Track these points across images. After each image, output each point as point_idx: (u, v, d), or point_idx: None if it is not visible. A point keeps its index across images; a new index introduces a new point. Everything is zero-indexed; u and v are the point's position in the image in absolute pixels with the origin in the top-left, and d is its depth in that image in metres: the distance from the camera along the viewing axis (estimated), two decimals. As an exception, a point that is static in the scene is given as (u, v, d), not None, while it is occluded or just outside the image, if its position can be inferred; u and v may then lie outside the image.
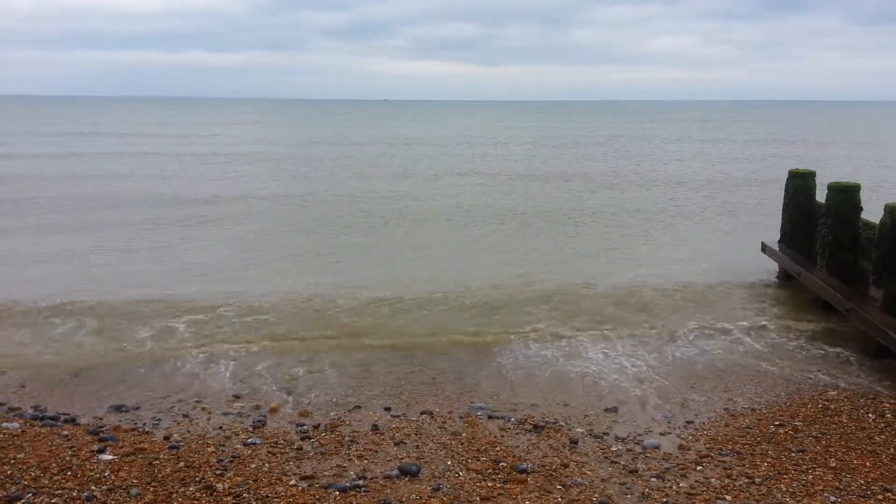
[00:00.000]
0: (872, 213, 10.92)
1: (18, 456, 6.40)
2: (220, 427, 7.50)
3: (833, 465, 6.58)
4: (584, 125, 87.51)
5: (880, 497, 5.92)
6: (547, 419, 7.80)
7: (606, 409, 8.15)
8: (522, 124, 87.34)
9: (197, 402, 8.34)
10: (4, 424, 7.31)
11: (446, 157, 39.54)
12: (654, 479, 6.28)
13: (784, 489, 6.07)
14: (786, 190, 13.61)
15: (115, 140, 52.16)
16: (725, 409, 8.18)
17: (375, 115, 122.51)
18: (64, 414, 7.86)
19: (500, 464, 6.54)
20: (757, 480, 6.24)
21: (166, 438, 7.11)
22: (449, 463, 6.56)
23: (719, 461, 6.68)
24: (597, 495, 5.95)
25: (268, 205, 23.29)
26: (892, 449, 6.93)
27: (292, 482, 6.08)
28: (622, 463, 6.65)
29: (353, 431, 7.37)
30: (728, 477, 6.32)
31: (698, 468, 6.53)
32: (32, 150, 41.33)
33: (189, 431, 7.37)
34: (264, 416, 7.87)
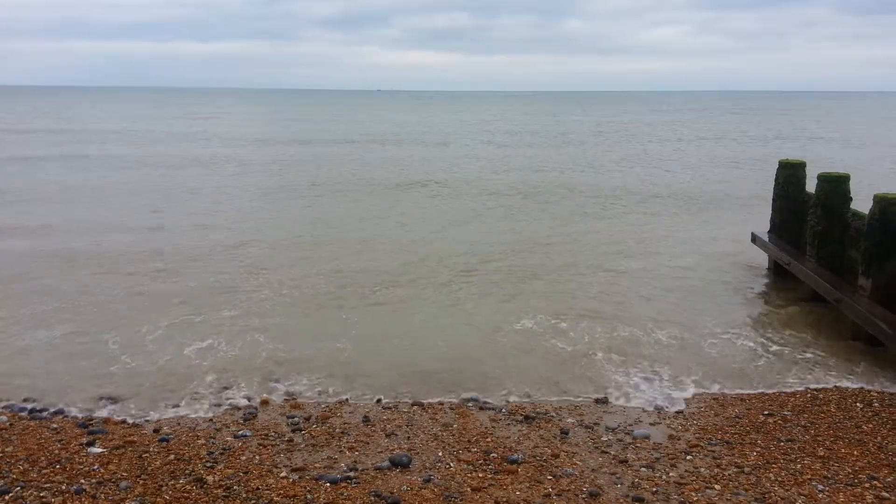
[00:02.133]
0: (861, 203, 10.99)
1: (7, 449, 6.38)
2: (211, 419, 7.48)
3: (821, 454, 6.63)
4: (578, 117, 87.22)
5: (867, 485, 5.97)
6: (538, 410, 7.82)
7: (597, 400, 8.17)
8: (517, 117, 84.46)
9: (187, 394, 8.31)
10: (-8, 418, 7.27)
11: (441, 162, 34.17)
12: (643, 469, 6.30)
13: (773, 478, 6.12)
14: (776, 180, 13.65)
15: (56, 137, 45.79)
16: (715, 399, 8.22)
17: (369, 108, 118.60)
18: (53, 407, 7.82)
19: (491, 454, 6.55)
20: (746, 470, 6.28)
21: (156, 431, 7.09)
22: (440, 454, 6.57)
23: (709, 451, 6.72)
24: (587, 485, 5.97)
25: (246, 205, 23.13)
26: (879, 438, 6.99)
27: (283, 474, 6.08)
28: (612, 453, 6.67)
29: (345, 423, 7.36)
30: (717, 466, 6.36)
31: (688, 458, 6.57)
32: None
33: (179, 424, 7.35)
34: (255, 408, 7.85)
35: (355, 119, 76.20)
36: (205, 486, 5.78)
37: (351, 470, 6.21)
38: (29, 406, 7.84)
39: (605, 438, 7.04)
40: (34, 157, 34.33)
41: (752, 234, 14.37)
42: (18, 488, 5.61)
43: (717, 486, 5.96)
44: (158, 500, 5.52)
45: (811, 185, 12.20)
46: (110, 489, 5.67)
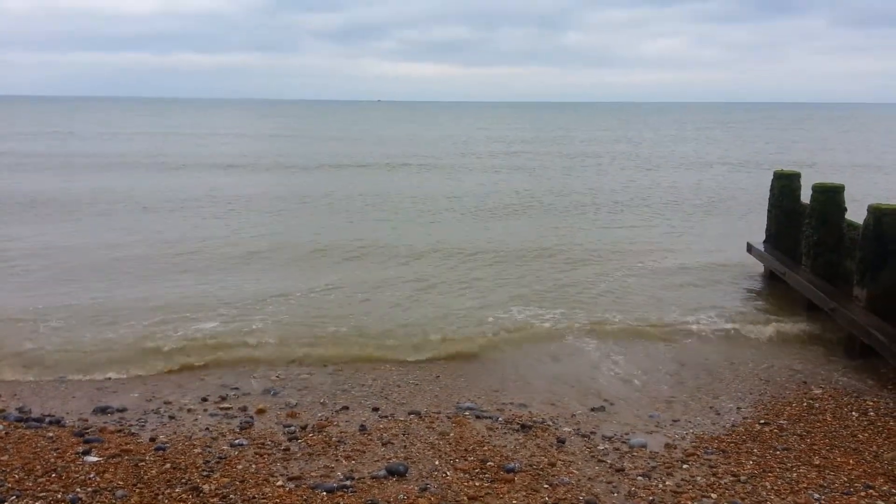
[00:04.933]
0: (856, 214, 11.04)
1: (2, 458, 6.36)
2: (207, 428, 7.47)
3: (817, 462, 6.64)
4: (578, 130, 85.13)
5: (863, 494, 5.98)
6: (534, 419, 7.82)
7: (593, 409, 8.18)
8: (515, 134, 71.66)
9: (183, 403, 8.29)
10: (-12, 426, 7.25)
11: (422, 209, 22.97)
12: (640, 478, 6.31)
13: (769, 487, 6.13)
14: (771, 191, 13.73)
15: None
16: (711, 407, 8.23)
17: (378, 120, 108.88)
18: (49, 415, 7.80)
19: (488, 463, 6.55)
20: (742, 478, 6.29)
21: (152, 440, 7.07)
22: (437, 463, 6.57)
23: (705, 459, 6.73)
24: (584, 494, 5.98)
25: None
26: (874, 447, 7.01)
27: (279, 483, 6.07)
28: (609, 462, 6.68)
29: (341, 432, 7.36)
30: (714, 475, 6.37)
31: (684, 466, 6.58)
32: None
33: (175, 433, 7.33)
34: (251, 417, 7.84)
35: (381, 135, 66.21)
36: (201, 494, 5.77)
37: (347, 479, 6.21)
38: (25, 415, 7.81)
39: (601, 447, 7.04)
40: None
41: (748, 243, 14.44)
42: (14, 497, 5.60)
43: (713, 495, 5.97)
44: (154, 508, 5.51)
45: (806, 196, 12.28)
46: (106, 498, 5.66)
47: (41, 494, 5.67)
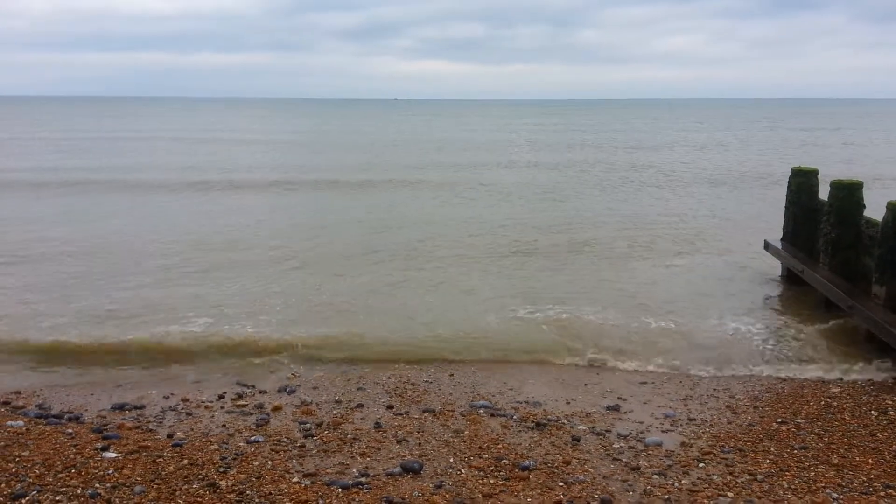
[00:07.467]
0: (875, 211, 10.91)
1: (23, 454, 6.45)
2: (224, 425, 7.53)
3: (835, 462, 6.58)
4: (601, 128, 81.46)
5: (882, 494, 5.91)
6: (549, 417, 7.81)
7: (609, 407, 8.15)
8: (538, 136, 63.25)
9: (200, 400, 8.37)
10: (9, 423, 7.36)
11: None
12: (656, 477, 6.28)
13: (786, 486, 6.07)
14: (788, 188, 13.60)
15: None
16: (728, 406, 8.17)
17: (410, 119, 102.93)
18: (68, 412, 7.90)
19: (503, 461, 6.55)
20: (759, 477, 6.24)
21: (170, 436, 7.14)
22: (451, 460, 6.58)
23: (721, 458, 6.68)
24: (598, 492, 5.96)
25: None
26: (894, 446, 6.92)
27: (295, 479, 6.11)
28: (624, 460, 6.65)
29: (356, 429, 7.39)
30: (730, 474, 6.32)
31: (700, 465, 6.53)
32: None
33: (192, 429, 7.40)
34: (267, 414, 7.89)
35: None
36: (218, 490, 5.82)
37: (362, 475, 6.23)
38: (44, 412, 7.92)
39: (616, 445, 7.02)
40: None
41: (765, 241, 14.31)
42: (35, 492, 5.67)
43: (729, 494, 5.93)
44: (172, 504, 5.57)
45: (824, 193, 12.15)
46: (125, 493, 5.72)
47: (61, 489, 5.74)
